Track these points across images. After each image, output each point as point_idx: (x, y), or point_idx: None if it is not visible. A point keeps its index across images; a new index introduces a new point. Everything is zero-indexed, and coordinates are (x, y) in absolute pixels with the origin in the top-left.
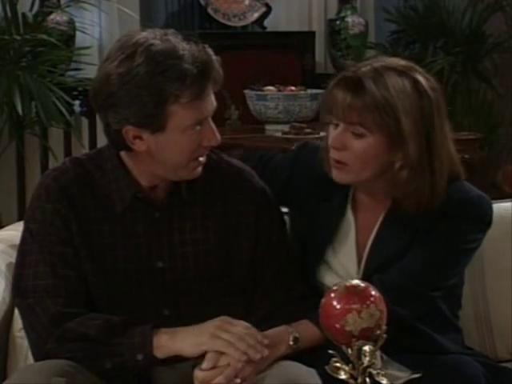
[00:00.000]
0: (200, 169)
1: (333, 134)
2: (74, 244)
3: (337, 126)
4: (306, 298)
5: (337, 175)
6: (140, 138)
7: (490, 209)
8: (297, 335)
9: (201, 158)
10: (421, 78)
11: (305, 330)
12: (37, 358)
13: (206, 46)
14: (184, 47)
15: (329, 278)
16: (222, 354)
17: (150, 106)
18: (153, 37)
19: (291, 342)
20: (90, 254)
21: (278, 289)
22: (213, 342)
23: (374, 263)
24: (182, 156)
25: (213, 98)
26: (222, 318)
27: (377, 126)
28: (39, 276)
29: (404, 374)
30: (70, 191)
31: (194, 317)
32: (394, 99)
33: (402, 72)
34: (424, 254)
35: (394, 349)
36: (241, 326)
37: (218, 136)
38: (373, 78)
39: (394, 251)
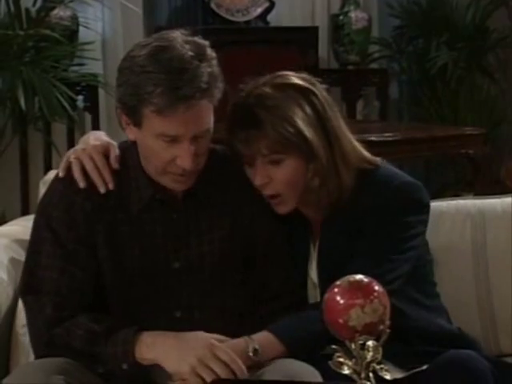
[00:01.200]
0: (183, 185)
1: (253, 173)
2: (93, 243)
3: (251, 164)
4: (305, 302)
5: (278, 209)
6: (130, 125)
7: (419, 190)
8: (257, 347)
9: (179, 177)
10: (297, 81)
11: (265, 343)
12: (35, 357)
13: (219, 75)
14: (191, 63)
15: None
16: None
17: (130, 98)
18: (180, 39)
19: (251, 354)
20: (109, 253)
21: (284, 291)
22: (191, 378)
23: (325, 273)
24: (157, 161)
25: (195, 124)
26: (206, 344)
27: (287, 148)
28: (48, 268)
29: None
30: (97, 189)
31: (204, 320)
32: (289, 115)
33: (280, 85)
34: (369, 253)
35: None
36: (222, 360)
37: (192, 161)
38: (262, 106)
39: (339, 258)
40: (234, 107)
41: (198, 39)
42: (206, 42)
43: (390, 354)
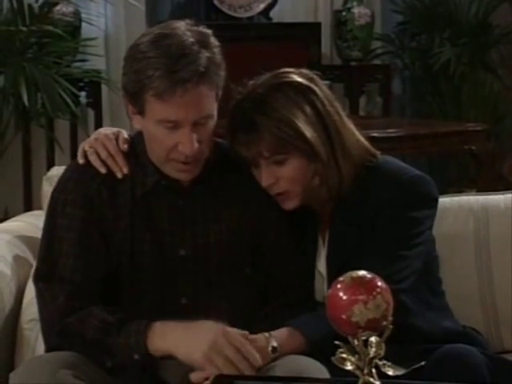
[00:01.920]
0: (188, 175)
1: (259, 174)
2: (106, 229)
3: (256, 165)
4: (312, 297)
5: (284, 205)
6: (135, 114)
7: (428, 184)
8: (275, 344)
9: (182, 165)
10: (296, 78)
11: (285, 338)
12: (45, 347)
13: (220, 61)
14: (191, 49)
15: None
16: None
17: (133, 85)
18: (184, 27)
19: (270, 351)
20: (123, 238)
21: (291, 286)
22: (205, 364)
23: (334, 267)
24: (160, 149)
25: (194, 108)
26: (219, 331)
27: (288, 148)
28: (62, 254)
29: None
30: (111, 175)
31: (210, 308)
32: (287, 117)
33: (277, 85)
34: (379, 252)
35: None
36: (234, 346)
37: (194, 147)
38: (259, 110)
39: (349, 251)
40: (233, 111)
41: (202, 28)
42: (210, 31)
43: (392, 354)
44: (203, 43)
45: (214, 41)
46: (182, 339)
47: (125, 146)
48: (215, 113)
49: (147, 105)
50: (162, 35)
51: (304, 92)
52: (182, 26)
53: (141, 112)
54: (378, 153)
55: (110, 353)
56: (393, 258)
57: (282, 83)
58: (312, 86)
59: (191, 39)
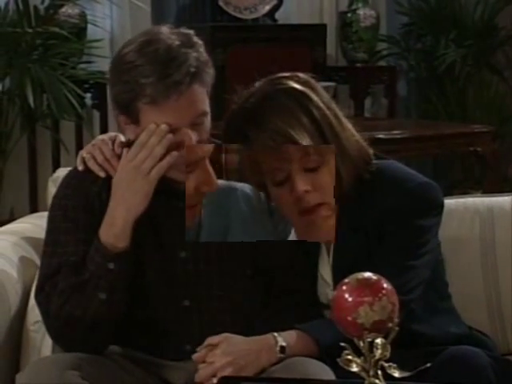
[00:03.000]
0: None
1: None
2: None
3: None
4: (316, 300)
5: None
6: (129, 124)
7: (434, 191)
8: (284, 344)
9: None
10: (291, 84)
11: (295, 340)
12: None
13: (208, 63)
14: (178, 51)
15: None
16: (212, 348)
17: (124, 96)
18: (166, 32)
19: (278, 351)
20: None
21: (293, 288)
22: None
23: (340, 273)
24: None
25: (189, 109)
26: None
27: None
28: (67, 254)
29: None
30: (111, 179)
31: (213, 310)
32: (281, 127)
33: (270, 94)
34: (387, 262)
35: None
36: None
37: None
38: (252, 123)
39: (355, 258)
40: (227, 124)
41: (183, 29)
42: (192, 31)
43: (396, 358)
44: (188, 44)
45: (197, 40)
46: (119, 198)
47: (119, 150)
48: (209, 110)
49: (141, 113)
50: (147, 42)
51: (298, 98)
52: (164, 30)
53: (135, 121)
54: (372, 157)
55: (93, 284)
56: (401, 268)
57: (275, 91)
58: (306, 90)
59: (177, 42)
